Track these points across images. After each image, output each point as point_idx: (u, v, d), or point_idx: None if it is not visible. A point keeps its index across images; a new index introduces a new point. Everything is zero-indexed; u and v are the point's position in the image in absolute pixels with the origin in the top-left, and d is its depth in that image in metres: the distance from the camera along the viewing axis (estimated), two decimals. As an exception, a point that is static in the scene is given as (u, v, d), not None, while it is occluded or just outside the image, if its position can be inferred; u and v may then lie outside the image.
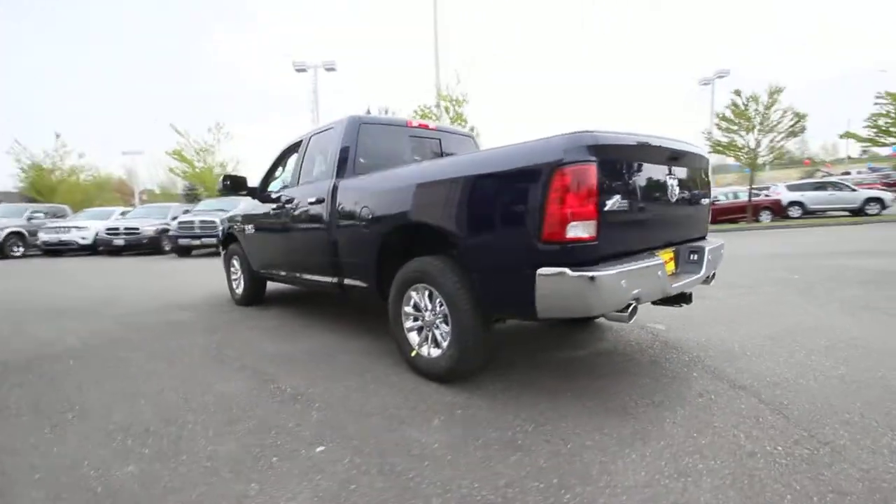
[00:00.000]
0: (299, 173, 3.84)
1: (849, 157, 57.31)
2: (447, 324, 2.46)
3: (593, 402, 2.25)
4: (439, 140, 3.91)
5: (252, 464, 1.78)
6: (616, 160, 2.01)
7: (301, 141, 3.97)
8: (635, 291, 1.94)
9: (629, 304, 1.95)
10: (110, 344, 3.56)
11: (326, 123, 3.71)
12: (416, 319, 2.69)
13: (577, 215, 1.83)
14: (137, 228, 13.37)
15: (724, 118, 16.66)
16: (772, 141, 15.79)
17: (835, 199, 17.71)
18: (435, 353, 2.54)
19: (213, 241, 12.62)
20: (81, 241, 13.73)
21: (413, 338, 2.69)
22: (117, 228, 13.39)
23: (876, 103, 16.37)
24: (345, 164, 3.28)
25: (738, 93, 15.82)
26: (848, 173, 34.94)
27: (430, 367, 2.54)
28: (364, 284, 3.05)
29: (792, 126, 15.26)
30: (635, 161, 2.14)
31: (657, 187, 2.28)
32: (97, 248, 13.72)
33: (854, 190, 17.99)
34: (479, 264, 2.18)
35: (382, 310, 2.92)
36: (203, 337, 3.67)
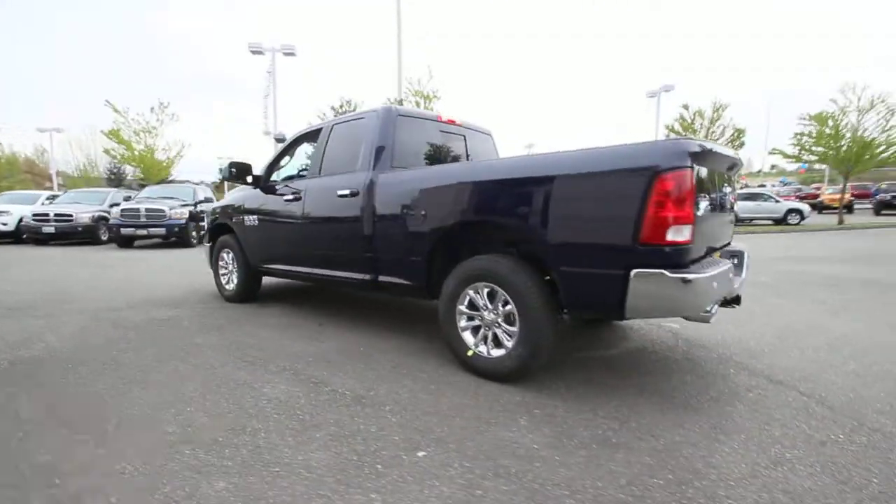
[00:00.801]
0: (321, 164, 3.64)
1: (760, 171, 63.42)
2: (510, 323, 2.46)
3: (657, 398, 2.34)
4: (464, 136, 3.87)
5: (356, 472, 1.68)
6: (703, 167, 2.10)
7: (321, 129, 3.76)
8: (720, 293, 2.04)
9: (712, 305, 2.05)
10: (105, 345, 3.19)
11: (354, 113, 3.55)
12: (470, 319, 2.66)
13: (677, 219, 1.90)
14: (70, 215, 12.01)
15: (672, 130, 17.89)
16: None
17: (761, 209, 19.56)
18: (497, 352, 2.52)
19: (162, 231, 11.72)
20: (2, 228, 12.14)
21: (468, 337, 2.65)
22: (46, 214, 11.94)
23: (799, 123, 18.31)
24: (381, 157, 3.16)
25: (685, 107, 17.05)
26: (763, 185, 38.68)
27: (491, 366, 2.52)
28: (408, 282, 2.96)
29: (732, 139, 16.68)
30: (713, 168, 2.25)
31: (720, 194, 2.42)
32: (21, 237, 12.20)
33: (778, 201, 19.99)
34: (565, 264, 2.19)
35: (400, 307, 2.85)
36: (208, 336, 3.39)
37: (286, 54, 19.41)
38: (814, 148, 17.71)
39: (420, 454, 1.80)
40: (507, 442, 1.90)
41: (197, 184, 16.45)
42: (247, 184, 4.18)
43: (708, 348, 3.15)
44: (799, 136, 18.61)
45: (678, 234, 1.91)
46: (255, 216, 4.20)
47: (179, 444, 1.85)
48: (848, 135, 17.35)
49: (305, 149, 4.08)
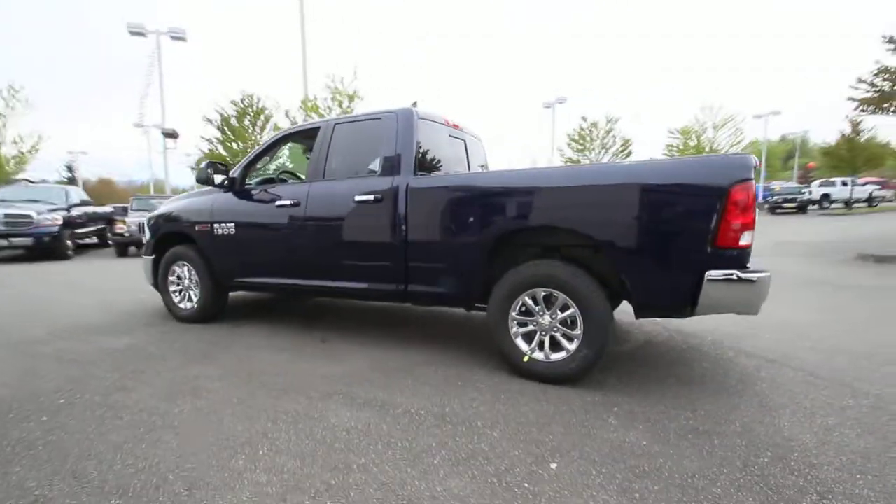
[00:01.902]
0: (324, 167, 3.34)
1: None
2: (569, 326, 2.54)
3: (697, 385, 2.59)
4: (465, 140, 3.86)
5: (509, 494, 1.60)
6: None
7: (317, 129, 3.45)
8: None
9: None
10: (70, 385, 2.56)
11: (364, 113, 3.32)
12: (522, 325, 2.67)
13: (745, 225, 2.14)
14: None
15: (572, 139, 19.72)
16: (611, 160, 19.33)
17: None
18: (557, 356, 2.57)
19: (28, 241, 9.70)
20: None
21: (521, 343, 2.67)
22: None
23: (669, 136, 21.49)
24: (406, 161, 3.01)
25: (584, 118, 18.92)
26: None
27: (551, 370, 2.57)
28: (448, 291, 2.86)
29: (622, 148, 18.93)
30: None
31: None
32: None
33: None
34: (640, 268, 2.32)
35: (383, 314, 2.80)
36: (202, 366, 2.92)
37: (174, 38, 17.18)
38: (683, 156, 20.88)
39: (553, 466, 1.78)
40: (619, 442, 1.96)
41: (65, 183, 13.80)
42: (217, 186, 3.66)
43: (699, 336, 3.57)
44: (669, 148, 21.83)
45: (747, 239, 2.16)
46: (229, 224, 3.69)
47: (291, 496, 1.58)
48: (707, 147, 20.79)
49: (291, 150, 3.72)
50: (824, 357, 3.07)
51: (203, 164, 3.56)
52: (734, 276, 2.15)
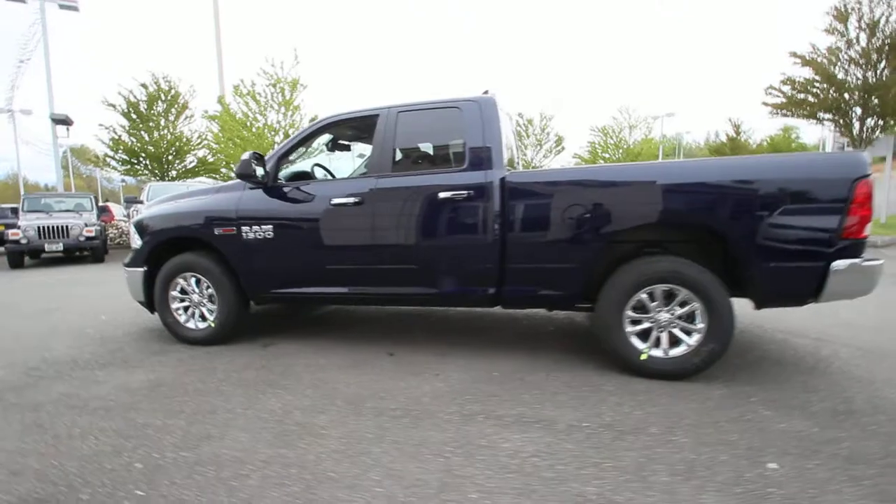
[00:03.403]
0: (391, 159, 2.97)
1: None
2: (688, 320, 2.55)
3: (766, 370, 2.71)
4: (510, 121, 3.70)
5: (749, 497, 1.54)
6: None
7: (375, 117, 3.06)
8: None
9: None
10: (143, 437, 1.99)
11: (434, 101, 3.01)
12: (635, 322, 2.63)
13: (865, 217, 2.30)
14: None
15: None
16: (544, 156, 20.21)
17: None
18: (676, 351, 2.57)
19: None
20: None
21: (636, 342, 2.62)
22: None
23: (591, 132, 23.06)
24: (495, 154, 2.80)
25: (520, 115, 19.52)
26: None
27: (672, 366, 2.56)
28: (555, 292, 2.72)
29: (556, 145, 19.91)
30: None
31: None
32: None
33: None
34: (770, 260, 2.37)
35: (423, 317, 2.69)
36: (282, 399, 2.46)
37: (63, 7, 14.45)
38: (604, 155, 22.56)
39: (771, 466, 1.75)
40: (794, 432, 1.99)
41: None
42: (252, 179, 3.09)
43: (761, 325, 3.73)
44: (592, 144, 23.45)
45: (866, 229, 2.32)
46: (264, 226, 3.15)
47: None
48: (623, 146, 22.68)
49: (320, 141, 3.28)
50: (825, 325, 3.45)
51: (246, 156, 2.98)
52: (859, 265, 2.29)
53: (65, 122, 14.62)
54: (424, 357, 3.05)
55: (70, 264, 9.95)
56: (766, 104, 10.51)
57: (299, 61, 11.75)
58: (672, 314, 2.57)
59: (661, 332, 2.60)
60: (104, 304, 5.14)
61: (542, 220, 2.70)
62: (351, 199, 2.97)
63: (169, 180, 15.15)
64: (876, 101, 9.49)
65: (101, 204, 13.22)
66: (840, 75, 9.82)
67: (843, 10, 9.52)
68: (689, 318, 2.56)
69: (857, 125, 10.05)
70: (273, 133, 12.32)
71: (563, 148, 20.51)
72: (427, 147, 3.01)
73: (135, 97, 14.98)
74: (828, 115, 10.19)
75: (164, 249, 3.48)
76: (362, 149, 4.33)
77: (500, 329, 3.75)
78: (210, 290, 3.37)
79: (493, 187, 2.74)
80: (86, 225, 9.69)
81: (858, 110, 9.90)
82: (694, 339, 2.54)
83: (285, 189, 3.18)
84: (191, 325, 3.46)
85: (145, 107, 15.11)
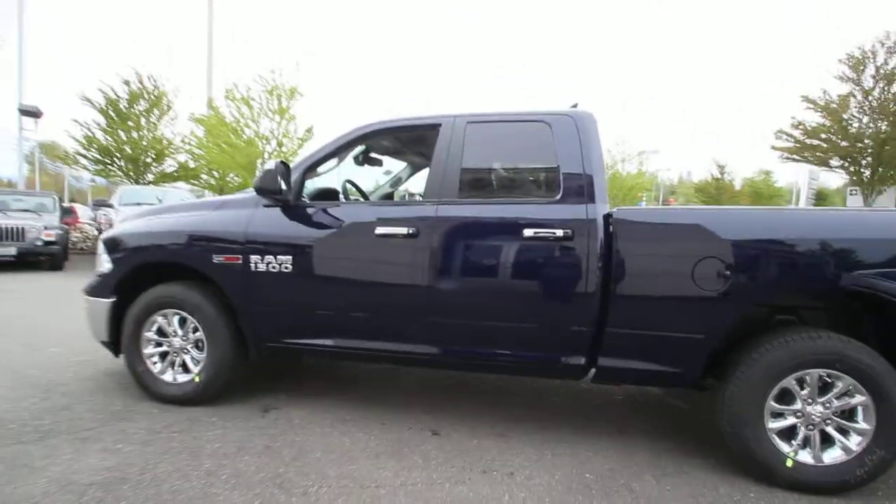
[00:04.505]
0: (457, 182, 2.31)
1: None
2: (847, 417, 1.94)
3: None
4: None
5: None
6: None
7: (438, 126, 2.41)
8: None
9: None
10: None
11: (515, 112, 2.40)
12: (778, 415, 2.00)
13: None
14: None
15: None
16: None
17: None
18: (831, 457, 1.94)
19: None
20: None
21: (780, 443, 1.99)
22: None
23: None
24: (597, 183, 2.19)
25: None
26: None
27: (829, 477, 1.93)
28: (668, 369, 2.08)
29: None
30: None
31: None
32: None
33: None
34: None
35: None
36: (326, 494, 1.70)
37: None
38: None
39: None
40: None
41: None
42: (273, 196, 2.38)
43: None
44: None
45: None
46: (281, 256, 2.42)
47: None
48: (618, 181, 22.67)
49: (361, 154, 2.63)
50: None
51: (271, 165, 2.27)
52: None
53: (34, 114, 13.43)
54: (479, 440, 2.33)
55: (22, 271, 8.79)
56: (775, 148, 10.43)
57: (300, 69, 11.09)
58: (827, 408, 1.96)
59: (812, 430, 1.98)
60: (56, 328, 4.22)
61: (661, 272, 2.07)
62: (402, 230, 2.28)
63: (144, 184, 14.06)
64: (889, 149, 9.51)
65: (65, 205, 12.04)
66: (855, 124, 9.83)
67: (860, 58, 9.57)
68: (849, 414, 1.95)
69: (867, 172, 10.04)
70: (265, 142, 11.52)
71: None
72: (505, 169, 2.38)
73: (116, 94, 13.96)
74: (838, 163, 10.18)
75: (141, 276, 2.69)
76: (389, 165, 3.70)
77: (556, 394, 3.07)
78: (198, 334, 2.59)
79: (595, 226, 2.11)
80: (45, 228, 8.60)
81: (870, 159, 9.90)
82: (855, 443, 1.93)
83: (310, 210, 2.48)
84: (168, 377, 2.65)
85: (126, 105, 14.07)
